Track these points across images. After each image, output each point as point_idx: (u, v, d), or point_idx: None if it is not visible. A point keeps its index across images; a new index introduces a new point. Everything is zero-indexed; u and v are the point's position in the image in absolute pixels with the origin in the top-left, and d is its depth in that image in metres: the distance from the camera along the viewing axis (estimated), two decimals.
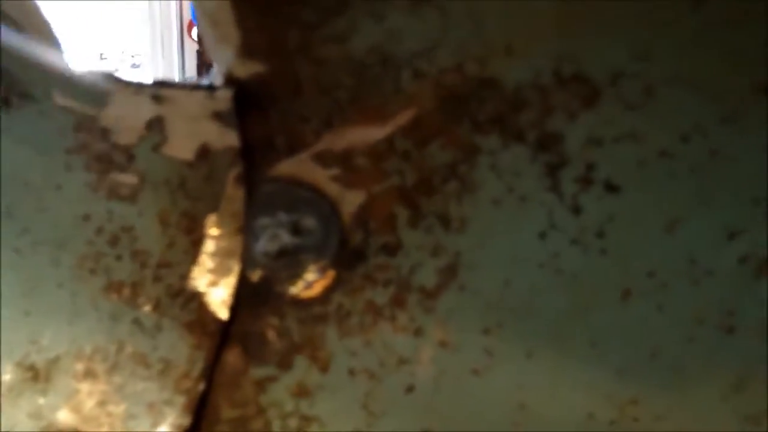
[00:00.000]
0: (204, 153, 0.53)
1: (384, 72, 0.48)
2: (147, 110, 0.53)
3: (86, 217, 0.56)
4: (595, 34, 0.44)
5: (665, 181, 0.45)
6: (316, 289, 0.52)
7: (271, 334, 0.52)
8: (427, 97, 0.48)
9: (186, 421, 0.52)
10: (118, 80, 0.53)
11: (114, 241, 0.56)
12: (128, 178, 0.55)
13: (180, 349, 0.53)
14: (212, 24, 0.49)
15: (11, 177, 0.56)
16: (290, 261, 0.52)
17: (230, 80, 0.52)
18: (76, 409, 0.54)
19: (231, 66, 0.51)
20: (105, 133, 0.55)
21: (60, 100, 0.55)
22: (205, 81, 0.54)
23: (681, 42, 0.42)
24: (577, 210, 0.47)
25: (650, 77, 0.44)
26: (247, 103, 0.52)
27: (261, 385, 0.52)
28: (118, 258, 0.55)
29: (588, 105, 0.45)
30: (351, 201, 0.51)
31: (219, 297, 0.53)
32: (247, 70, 0.51)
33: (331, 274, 0.52)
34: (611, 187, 0.46)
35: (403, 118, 0.49)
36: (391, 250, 0.50)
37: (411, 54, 0.47)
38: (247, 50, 0.50)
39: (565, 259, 0.47)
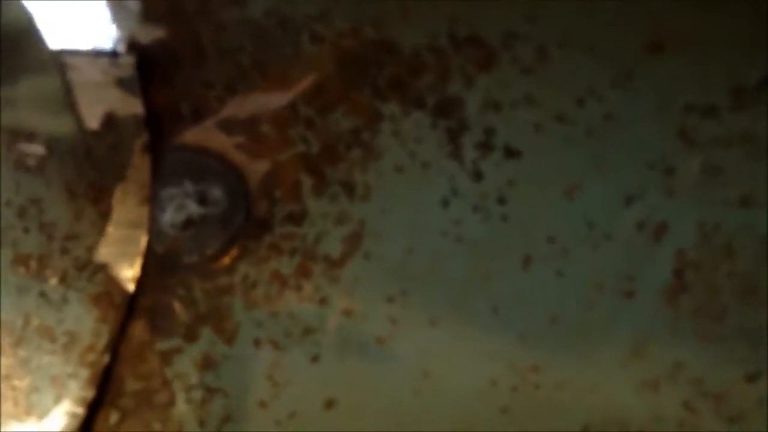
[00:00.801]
0: (109, 121, 0.55)
1: (283, 35, 0.50)
2: (52, 78, 0.55)
3: None
4: None
5: (562, 145, 0.47)
6: (222, 260, 0.54)
7: (177, 306, 0.54)
8: (326, 62, 0.50)
9: (89, 394, 0.54)
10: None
11: (22, 213, 0.57)
12: (35, 149, 0.57)
13: (85, 322, 0.55)
14: None
15: None
16: (196, 232, 0.54)
17: (133, 46, 0.53)
18: None
19: (132, 31, 0.53)
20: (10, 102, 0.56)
21: None
22: (107, 47, 0.56)
23: (567, 1, 0.44)
24: (478, 176, 0.48)
25: (543, 39, 0.45)
26: (151, 70, 0.53)
27: (166, 357, 0.54)
28: (26, 230, 0.57)
29: (484, 68, 0.47)
30: (257, 170, 0.53)
31: (125, 269, 0.55)
32: (148, 35, 0.53)
33: (236, 244, 0.53)
34: (511, 152, 0.48)
35: (305, 83, 0.51)
36: (297, 218, 0.52)
37: (307, 16, 0.49)
38: (147, 14, 0.52)
39: (466, 226, 0.49)
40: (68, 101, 0.53)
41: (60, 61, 0.53)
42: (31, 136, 0.56)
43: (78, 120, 0.53)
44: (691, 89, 0.44)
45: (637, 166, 0.45)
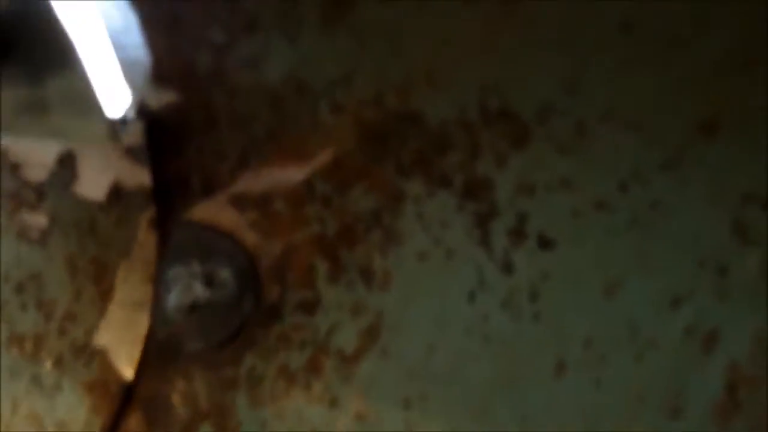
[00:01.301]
0: (116, 193, 0.57)
1: (301, 103, 0.51)
2: (56, 144, 0.57)
3: None
4: (521, 61, 0.46)
5: (603, 236, 0.46)
6: (228, 349, 0.54)
7: (177, 399, 0.55)
8: (346, 134, 0.51)
9: None
10: None
11: (20, 289, 0.59)
12: (38, 219, 0.59)
13: (78, 411, 0.56)
14: (121, 47, 0.53)
15: None
16: (202, 317, 0.55)
17: (142, 112, 0.55)
18: None
19: (143, 95, 0.55)
20: (15, 168, 0.59)
21: None
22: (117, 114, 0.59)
23: (611, 70, 0.44)
24: (508, 267, 0.48)
25: (582, 113, 0.45)
26: (160, 138, 0.55)
27: None
28: (23, 307, 0.59)
29: (517, 146, 0.47)
30: (268, 251, 0.54)
31: (125, 355, 0.56)
32: (159, 99, 0.55)
33: (244, 332, 0.54)
34: (545, 242, 0.47)
35: (323, 157, 0.52)
36: (309, 307, 0.53)
37: (327, 82, 0.50)
38: (158, 76, 0.54)
39: (494, 323, 0.49)
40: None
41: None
42: (34, 206, 0.58)
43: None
44: (748, 177, 0.43)
45: (686, 263, 0.44)
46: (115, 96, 0.54)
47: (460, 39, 0.46)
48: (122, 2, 0.52)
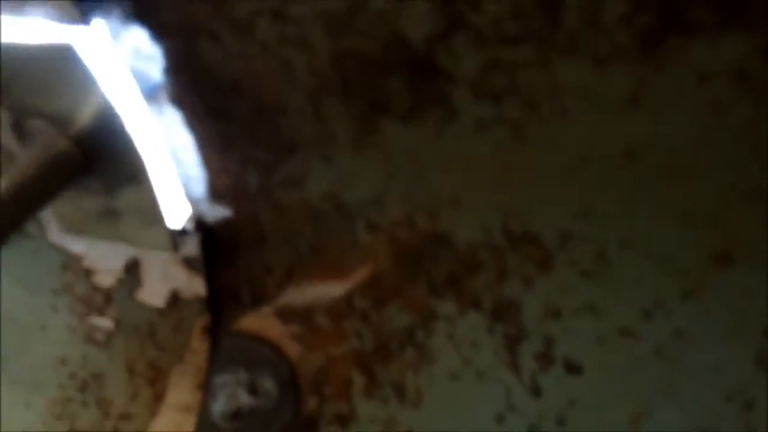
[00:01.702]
0: (174, 301, 0.60)
1: (340, 221, 0.53)
2: (125, 251, 0.61)
3: (63, 361, 0.64)
4: (536, 188, 0.46)
5: (628, 364, 0.46)
6: None
7: None
8: (382, 252, 0.52)
9: None
10: None
11: (83, 387, 0.63)
12: (104, 323, 0.62)
13: None
14: (181, 165, 0.57)
15: (1, 315, 0.65)
16: (243, 425, 0.57)
17: (199, 225, 0.58)
18: None
19: (200, 209, 0.58)
20: (88, 274, 0.63)
21: (53, 237, 0.64)
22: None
23: (622, 198, 0.44)
24: (536, 391, 0.48)
25: (600, 240, 0.46)
26: (215, 251, 0.58)
27: None
28: (85, 405, 0.62)
29: (543, 269, 0.48)
30: (309, 363, 0.55)
31: None
32: (214, 213, 0.57)
33: None
34: (572, 367, 0.47)
35: (362, 274, 0.53)
36: (344, 420, 0.54)
37: (362, 201, 0.51)
38: (213, 193, 0.57)
39: None
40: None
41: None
42: (102, 310, 0.61)
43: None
44: None
45: (712, 395, 0.43)
46: (176, 209, 0.57)
47: (477, 164, 0.47)
48: (181, 122, 0.55)
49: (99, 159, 0.55)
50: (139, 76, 0.51)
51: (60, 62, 0.50)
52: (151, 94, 0.53)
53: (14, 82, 0.54)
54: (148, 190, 0.56)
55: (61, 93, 0.53)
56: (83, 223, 0.60)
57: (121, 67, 0.50)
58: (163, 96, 0.53)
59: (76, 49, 0.50)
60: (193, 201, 0.57)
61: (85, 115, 0.53)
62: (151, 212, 0.57)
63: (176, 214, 0.57)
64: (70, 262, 0.63)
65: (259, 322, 0.56)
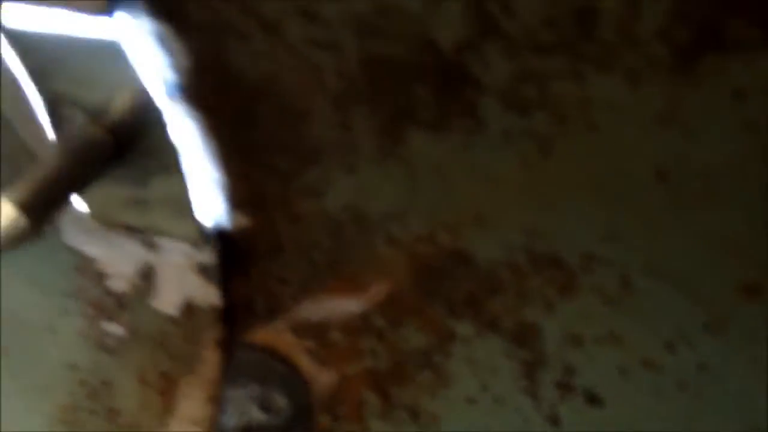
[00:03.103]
0: (188, 310, 0.59)
1: (359, 234, 0.52)
2: (139, 257, 0.60)
3: (73, 367, 0.63)
4: (561, 206, 0.45)
5: (651, 397, 0.44)
6: None
7: None
8: (401, 268, 0.51)
9: None
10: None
11: (93, 395, 0.62)
12: (116, 329, 0.62)
13: None
14: (201, 170, 0.56)
15: (11, 316, 0.65)
16: None
17: (218, 233, 0.58)
18: None
19: (218, 216, 0.57)
20: (100, 277, 0.62)
21: (67, 238, 0.63)
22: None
23: (650, 221, 0.43)
24: (555, 421, 0.47)
25: (624, 264, 0.44)
26: (231, 261, 0.57)
27: None
28: (93, 413, 0.61)
29: (565, 294, 0.46)
30: (323, 381, 0.54)
31: None
32: (232, 221, 0.57)
33: None
34: (592, 398, 0.46)
35: (379, 290, 0.52)
36: None
37: (383, 214, 0.50)
38: (231, 200, 0.56)
39: None
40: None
41: (149, 240, 0.58)
42: (114, 316, 0.60)
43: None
44: None
45: (734, 430, 0.41)
46: (205, 204, 0.56)
47: (503, 179, 0.45)
48: (202, 125, 0.54)
49: (132, 149, 0.55)
50: (163, 74, 0.51)
51: (95, 54, 0.51)
52: (173, 94, 0.52)
53: (50, 71, 0.55)
54: (179, 181, 0.55)
55: (96, 84, 0.54)
56: (111, 211, 0.59)
57: (150, 62, 0.50)
58: (186, 97, 0.52)
59: (110, 42, 0.49)
60: (213, 207, 0.57)
61: (119, 106, 0.53)
62: (181, 203, 0.56)
63: (205, 209, 0.57)
64: (84, 265, 0.62)
65: (273, 335, 0.56)
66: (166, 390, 0.58)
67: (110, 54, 0.50)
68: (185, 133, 0.52)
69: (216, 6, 0.46)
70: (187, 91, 0.51)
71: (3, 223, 0.48)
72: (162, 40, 0.49)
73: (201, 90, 0.50)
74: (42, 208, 0.51)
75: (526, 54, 0.40)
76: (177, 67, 0.50)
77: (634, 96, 0.38)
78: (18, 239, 0.49)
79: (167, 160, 0.54)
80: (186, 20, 0.48)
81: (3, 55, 0.55)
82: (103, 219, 0.59)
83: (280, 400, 0.54)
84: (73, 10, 0.49)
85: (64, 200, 0.52)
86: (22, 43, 0.54)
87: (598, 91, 0.39)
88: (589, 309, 0.45)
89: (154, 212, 0.57)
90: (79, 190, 0.52)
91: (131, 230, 0.60)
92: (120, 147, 0.54)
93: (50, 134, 0.58)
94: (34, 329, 0.63)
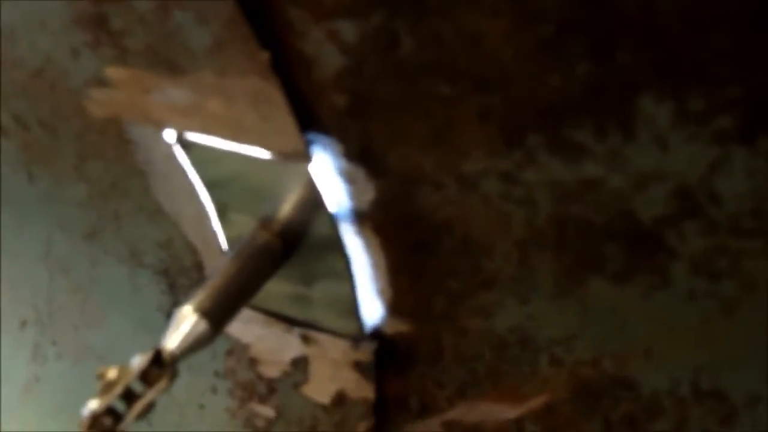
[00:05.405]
0: (340, 399, 0.65)
1: (523, 353, 0.58)
2: (294, 348, 0.66)
3: None
4: (733, 353, 0.51)
5: None
6: None
7: None
8: (562, 385, 0.57)
9: None
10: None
11: None
12: (266, 411, 0.68)
13: None
14: (369, 280, 0.62)
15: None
16: None
17: (376, 335, 0.64)
18: None
19: (379, 321, 0.64)
20: (252, 362, 0.68)
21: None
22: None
23: None
24: None
25: None
26: (388, 360, 0.63)
27: None
28: None
29: (725, 424, 0.53)
30: None
31: None
32: (393, 327, 0.63)
33: None
34: None
35: (536, 402, 0.58)
36: None
37: (550, 340, 0.57)
38: (395, 309, 0.62)
39: None
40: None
41: (307, 335, 0.64)
42: (264, 399, 0.67)
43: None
44: None
45: None
46: (364, 310, 0.63)
47: (680, 327, 0.51)
48: (378, 246, 0.61)
49: (298, 248, 0.61)
50: (343, 200, 0.57)
51: (268, 168, 0.57)
52: (348, 218, 0.58)
53: (222, 182, 0.61)
54: (343, 284, 0.62)
55: (266, 195, 0.60)
56: (273, 303, 0.66)
57: (332, 188, 0.57)
58: (362, 222, 0.58)
59: (292, 168, 0.57)
60: (374, 310, 0.63)
61: (287, 210, 0.60)
62: (343, 304, 0.62)
63: (366, 311, 0.63)
64: (236, 349, 0.68)
65: (424, 430, 0.62)
66: None
67: (283, 170, 0.56)
68: (354, 247, 0.59)
69: (414, 159, 0.52)
70: (365, 219, 0.56)
71: (188, 330, 0.55)
72: (351, 179, 0.55)
73: (383, 221, 0.56)
74: (220, 314, 0.57)
75: (724, 234, 0.46)
76: (359, 199, 0.56)
77: None
78: (200, 343, 0.55)
79: (332, 265, 0.60)
80: (380, 165, 0.53)
81: (183, 166, 0.62)
82: (264, 310, 0.65)
83: None
84: (273, 156, 0.56)
85: (241, 305, 0.58)
86: (199, 154, 0.60)
87: None
88: None
89: (315, 309, 0.63)
90: (253, 295, 0.59)
91: (290, 322, 0.66)
92: (287, 249, 0.60)
93: (221, 239, 0.64)
94: (182, 405, 0.69)
